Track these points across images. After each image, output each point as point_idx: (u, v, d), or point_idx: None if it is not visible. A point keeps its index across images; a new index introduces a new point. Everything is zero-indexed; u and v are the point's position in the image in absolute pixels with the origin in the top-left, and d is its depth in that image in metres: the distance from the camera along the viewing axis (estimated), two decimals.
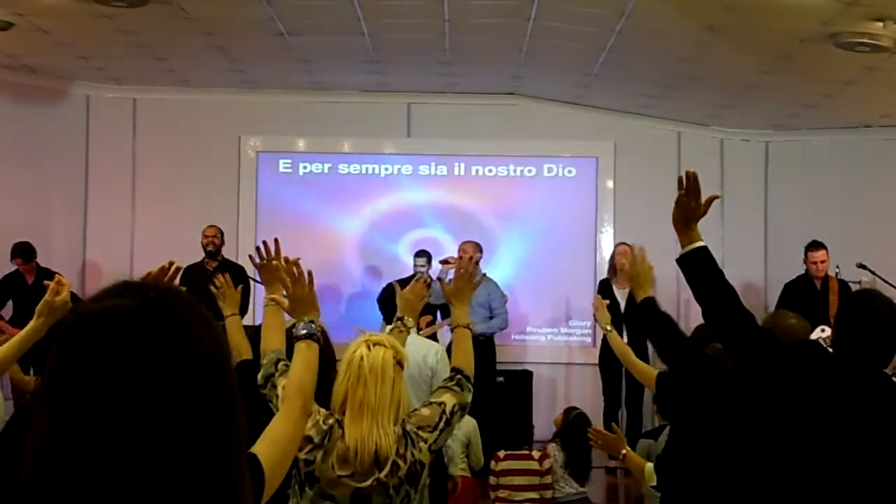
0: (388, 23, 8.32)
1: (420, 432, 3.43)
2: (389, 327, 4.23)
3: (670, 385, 4.58)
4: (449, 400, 3.55)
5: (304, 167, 11.22)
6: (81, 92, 10.98)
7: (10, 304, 9.83)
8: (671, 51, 8.47)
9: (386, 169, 11.23)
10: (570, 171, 11.22)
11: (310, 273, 3.21)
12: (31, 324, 3.44)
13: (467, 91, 10.92)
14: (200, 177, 11.00)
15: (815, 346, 3.62)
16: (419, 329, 7.02)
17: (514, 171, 11.20)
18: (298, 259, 3.29)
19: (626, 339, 8.83)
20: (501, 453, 6.58)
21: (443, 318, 8.83)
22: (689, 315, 9.85)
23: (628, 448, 4.89)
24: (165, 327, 1.27)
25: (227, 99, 11.03)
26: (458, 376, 3.62)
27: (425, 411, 3.51)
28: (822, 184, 10.92)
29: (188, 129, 11.08)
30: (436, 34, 8.58)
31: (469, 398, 3.61)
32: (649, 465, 4.64)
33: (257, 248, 3.81)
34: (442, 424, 3.49)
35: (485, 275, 4.00)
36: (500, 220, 11.12)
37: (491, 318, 9.50)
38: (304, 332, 2.93)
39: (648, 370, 4.87)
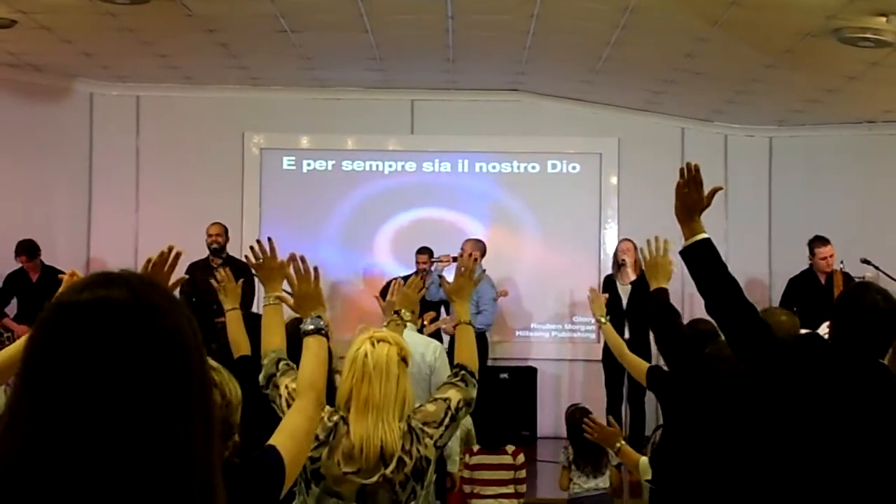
0: (392, 19, 8.32)
1: (426, 428, 3.43)
2: (387, 321, 4.26)
3: (661, 378, 4.62)
4: (454, 396, 3.55)
5: (308, 164, 11.23)
6: (85, 89, 10.99)
7: (13, 302, 9.85)
8: (675, 46, 8.46)
9: (390, 166, 11.24)
10: (573, 168, 11.22)
11: (316, 269, 3.22)
12: None
13: (471, 88, 10.91)
14: (204, 174, 11.01)
15: (814, 338, 3.63)
16: (423, 326, 7.04)
17: (518, 167, 11.20)
18: (304, 256, 3.30)
19: (627, 335, 8.91)
20: (475, 447, 6.56)
21: (446, 314, 8.84)
22: (693, 310, 9.86)
23: (623, 441, 4.93)
24: (150, 319, 1.27)
25: (230, 96, 11.03)
26: (462, 372, 3.63)
27: (430, 407, 3.52)
28: (825, 179, 10.91)
29: (192, 127, 11.08)
30: (439, 31, 8.57)
31: (474, 393, 3.61)
32: (643, 459, 4.66)
33: (251, 248, 3.81)
34: (447, 420, 3.49)
35: (484, 271, 4.00)
36: (504, 216, 11.12)
37: (478, 313, 9.50)
38: (312, 327, 2.96)
39: (640, 363, 4.89)
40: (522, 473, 6.57)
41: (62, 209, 10.88)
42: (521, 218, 11.13)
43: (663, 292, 4.32)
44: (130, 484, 1.22)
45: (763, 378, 3.41)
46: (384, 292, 9.35)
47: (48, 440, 1.20)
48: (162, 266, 3.13)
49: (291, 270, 3.20)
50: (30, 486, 1.20)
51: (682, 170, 3.56)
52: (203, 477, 1.29)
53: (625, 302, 9.42)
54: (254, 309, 8.81)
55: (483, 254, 9.54)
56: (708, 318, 3.80)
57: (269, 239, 3.80)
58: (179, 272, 3.32)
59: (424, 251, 9.87)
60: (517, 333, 11.09)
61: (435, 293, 8.81)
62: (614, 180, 11.14)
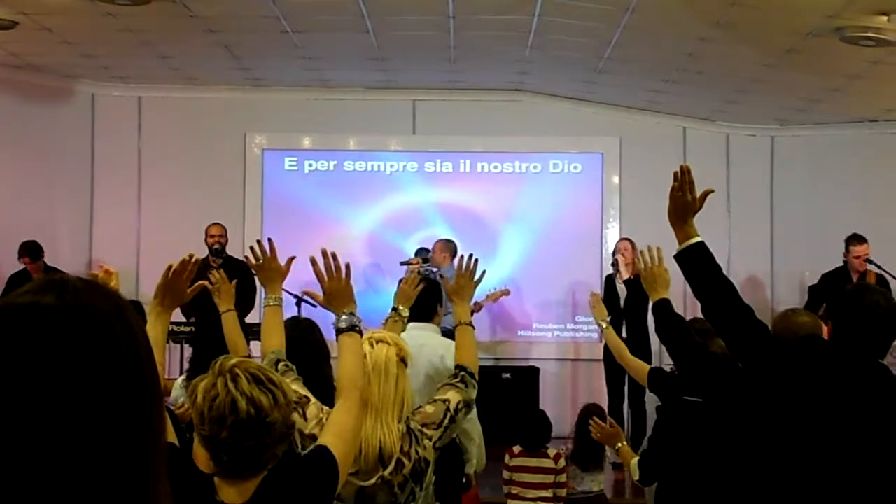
0: (393, 19, 8.32)
1: (424, 430, 3.43)
2: (386, 318, 4.28)
3: (663, 380, 4.63)
4: (453, 397, 3.55)
5: (310, 164, 11.23)
6: (86, 90, 11.00)
7: None
8: (676, 46, 8.45)
9: (391, 166, 11.24)
10: (575, 167, 11.22)
11: (347, 266, 3.22)
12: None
13: (473, 87, 10.91)
14: (206, 175, 11.01)
15: (813, 339, 3.62)
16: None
17: (520, 167, 11.20)
18: (335, 252, 3.28)
19: (625, 334, 8.91)
20: (516, 448, 6.56)
21: None
22: (696, 310, 9.85)
23: (624, 442, 4.97)
24: (80, 325, 1.26)
25: (232, 97, 11.04)
26: (462, 373, 3.63)
27: (429, 408, 3.52)
28: (827, 178, 10.90)
29: (193, 127, 11.09)
30: (441, 31, 8.57)
31: (473, 395, 3.61)
32: (634, 460, 4.68)
33: (251, 249, 3.81)
34: (446, 422, 3.49)
35: (485, 272, 4.03)
36: (505, 216, 11.12)
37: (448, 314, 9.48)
38: (346, 324, 2.98)
39: (641, 366, 4.91)
40: (563, 477, 6.56)
41: (64, 210, 10.88)
42: (522, 217, 11.12)
43: (667, 303, 4.30)
44: (59, 493, 1.22)
45: (762, 379, 3.41)
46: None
47: None
48: (182, 273, 3.15)
49: (322, 267, 3.19)
50: None
51: (675, 173, 3.55)
52: (136, 485, 1.28)
53: (622, 301, 9.41)
54: (255, 310, 8.83)
55: (454, 254, 9.55)
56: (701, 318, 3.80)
57: (270, 240, 3.80)
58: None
59: (421, 252, 9.92)
60: (519, 333, 11.09)
61: None
62: (616, 179, 11.14)
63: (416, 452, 3.37)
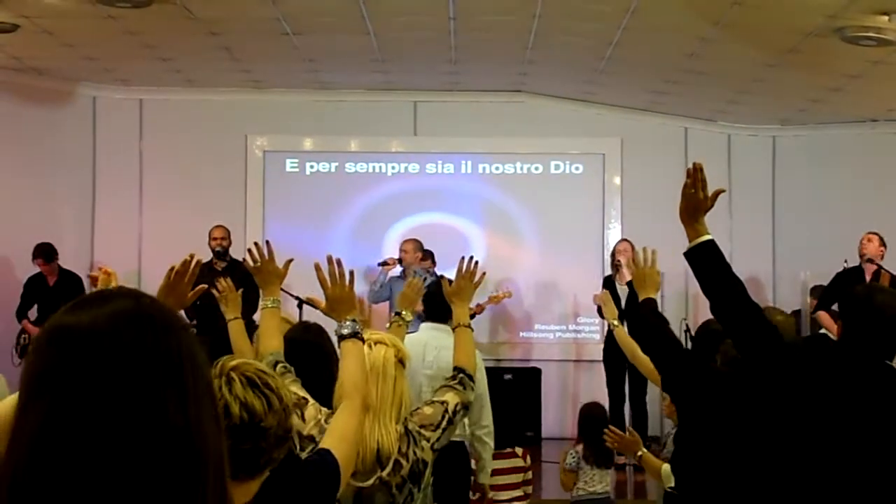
0: (394, 21, 8.33)
1: (422, 431, 3.43)
2: (389, 322, 4.28)
3: (678, 381, 4.59)
4: (451, 399, 3.55)
5: (311, 166, 11.24)
6: (88, 93, 11.01)
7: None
8: (677, 46, 8.46)
9: (393, 168, 11.25)
10: (577, 168, 11.22)
11: (351, 273, 3.22)
12: None
13: (474, 89, 10.92)
14: (207, 177, 11.02)
15: (822, 340, 3.63)
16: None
17: (521, 168, 11.20)
18: (340, 259, 3.29)
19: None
20: None
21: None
22: (697, 310, 9.87)
23: (644, 449, 4.95)
24: (112, 345, 1.29)
25: (233, 99, 11.05)
26: (461, 375, 3.63)
27: (428, 410, 3.52)
28: (829, 178, 10.90)
29: (195, 130, 11.10)
30: (442, 32, 8.57)
31: (472, 397, 3.61)
32: (666, 466, 4.64)
33: (249, 251, 3.81)
34: (444, 423, 3.49)
35: (484, 274, 3.99)
36: (507, 217, 11.12)
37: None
38: (349, 331, 2.99)
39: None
40: (530, 474, 6.59)
41: (66, 213, 10.89)
42: (524, 219, 11.12)
43: (651, 302, 4.30)
44: (131, 488, 1.25)
45: (770, 379, 3.40)
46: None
47: (62, 444, 1.24)
48: (184, 275, 3.15)
49: (325, 273, 3.19)
50: (43, 490, 1.23)
51: (689, 170, 3.55)
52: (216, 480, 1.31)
53: (623, 302, 9.41)
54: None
55: (424, 254, 9.65)
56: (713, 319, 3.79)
57: (267, 242, 3.81)
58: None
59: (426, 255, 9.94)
60: (521, 334, 11.09)
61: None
62: (618, 181, 11.14)
63: (414, 453, 3.37)
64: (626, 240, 9.88)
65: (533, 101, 11.11)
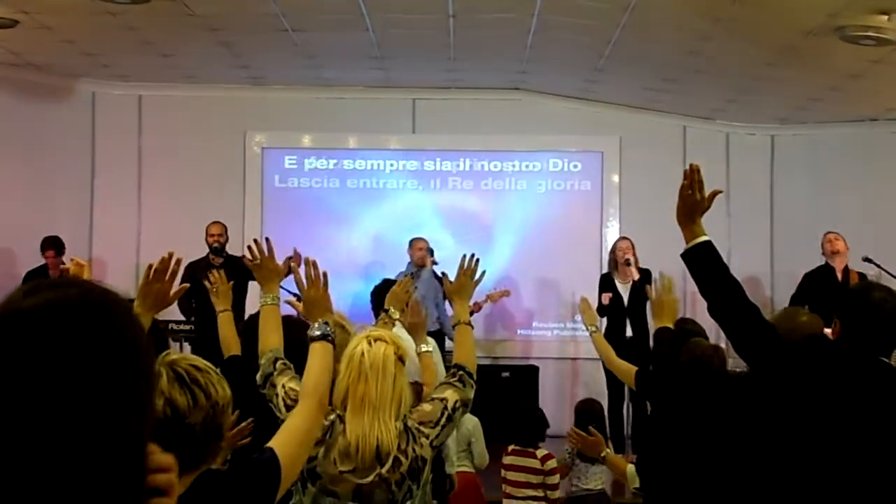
0: (393, 18, 8.32)
1: (422, 428, 3.43)
2: (377, 320, 4.31)
3: (649, 382, 4.63)
4: (451, 396, 3.55)
5: (310, 163, 11.23)
6: (87, 89, 11.00)
7: None
8: (676, 44, 8.46)
9: (391, 164, 11.25)
10: (575, 166, 11.22)
11: (325, 275, 3.22)
12: None
13: (472, 86, 10.91)
14: (206, 173, 11.01)
15: (820, 339, 3.63)
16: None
17: (520, 165, 11.20)
18: (316, 261, 3.30)
19: (630, 332, 8.93)
20: (510, 447, 6.55)
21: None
22: (695, 309, 9.85)
23: (608, 450, 4.96)
24: (60, 328, 1.27)
25: (232, 95, 11.04)
26: (461, 372, 3.63)
27: (427, 407, 3.52)
28: (828, 177, 10.90)
29: (193, 126, 11.09)
30: (440, 30, 8.57)
31: (471, 394, 3.61)
32: (630, 467, 4.64)
33: (249, 248, 3.81)
34: (444, 420, 3.49)
35: (484, 272, 4.02)
36: (505, 214, 11.12)
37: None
38: (319, 332, 2.97)
39: (629, 368, 4.91)
40: (554, 479, 6.43)
41: (64, 208, 10.88)
42: (522, 216, 11.12)
43: (667, 332, 4.32)
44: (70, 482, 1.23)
45: (769, 379, 3.41)
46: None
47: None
48: (164, 273, 3.12)
49: (302, 275, 3.20)
50: None
51: (686, 171, 3.56)
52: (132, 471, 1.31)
53: (626, 300, 9.41)
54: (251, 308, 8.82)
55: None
56: (692, 318, 3.81)
57: (267, 239, 3.80)
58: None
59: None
60: (519, 332, 11.09)
61: None
62: (616, 178, 11.14)
63: (414, 450, 3.37)
64: (626, 238, 9.88)
65: (531, 99, 11.11)
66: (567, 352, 11.06)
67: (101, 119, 11.10)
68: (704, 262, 3.51)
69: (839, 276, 9.25)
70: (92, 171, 11.09)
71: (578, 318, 10.95)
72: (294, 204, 11.10)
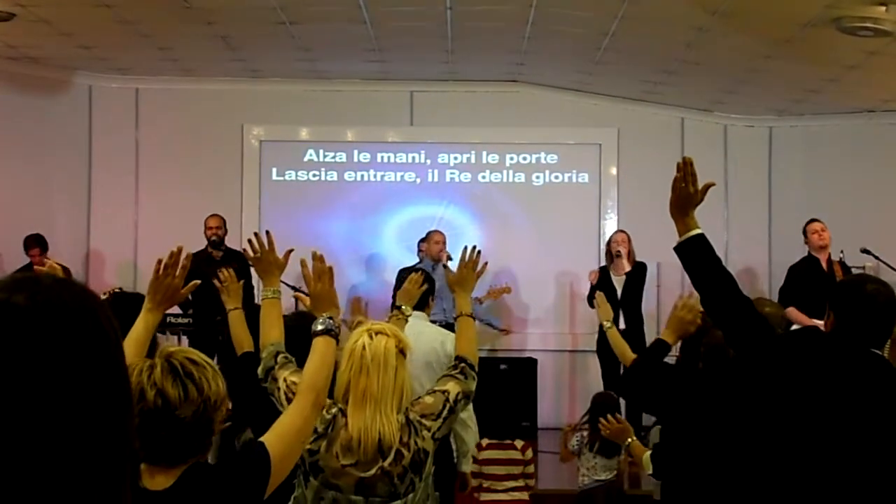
0: (390, 11, 8.31)
1: (423, 420, 3.44)
2: (388, 316, 4.30)
3: (636, 377, 4.65)
4: (453, 388, 3.56)
5: (308, 156, 11.22)
6: (84, 82, 10.97)
7: None
8: (674, 36, 8.45)
9: (389, 157, 11.23)
10: (573, 158, 11.21)
11: (330, 269, 3.21)
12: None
13: (470, 79, 10.91)
14: (204, 166, 11.01)
15: (812, 332, 3.64)
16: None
17: (518, 158, 11.19)
18: (322, 255, 3.28)
19: (622, 325, 8.91)
20: (484, 442, 6.55)
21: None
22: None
23: (633, 437, 5.04)
24: (52, 324, 1.27)
25: (229, 88, 11.03)
26: (462, 364, 3.64)
27: (429, 399, 3.53)
28: (825, 169, 10.90)
29: (191, 119, 11.08)
30: (438, 22, 8.56)
31: (473, 386, 3.62)
32: (646, 454, 4.70)
33: (249, 241, 3.81)
34: (445, 413, 3.50)
35: (486, 264, 4.04)
36: (503, 207, 11.11)
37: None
38: (322, 327, 2.92)
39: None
40: (531, 468, 6.61)
41: (62, 202, 10.87)
42: (519, 209, 11.12)
43: (664, 348, 4.34)
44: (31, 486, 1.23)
45: (761, 371, 3.42)
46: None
47: None
48: (174, 268, 3.11)
49: (310, 269, 3.19)
50: None
51: (679, 164, 3.57)
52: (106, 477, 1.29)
53: (619, 293, 9.42)
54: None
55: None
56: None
57: (268, 232, 3.80)
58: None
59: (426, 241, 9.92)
60: (516, 324, 11.09)
61: None
62: (614, 171, 11.14)
63: (416, 443, 3.38)
64: (622, 231, 9.89)
65: (529, 91, 11.10)
66: (565, 344, 11.06)
67: (99, 112, 11.08)
68: (697, 255, 3.53)
69: (824, 266, 9.12)
70: (89, 164, 11.08)
71: (576, 309, 10.99)
72: (292, 197, 11.09)
